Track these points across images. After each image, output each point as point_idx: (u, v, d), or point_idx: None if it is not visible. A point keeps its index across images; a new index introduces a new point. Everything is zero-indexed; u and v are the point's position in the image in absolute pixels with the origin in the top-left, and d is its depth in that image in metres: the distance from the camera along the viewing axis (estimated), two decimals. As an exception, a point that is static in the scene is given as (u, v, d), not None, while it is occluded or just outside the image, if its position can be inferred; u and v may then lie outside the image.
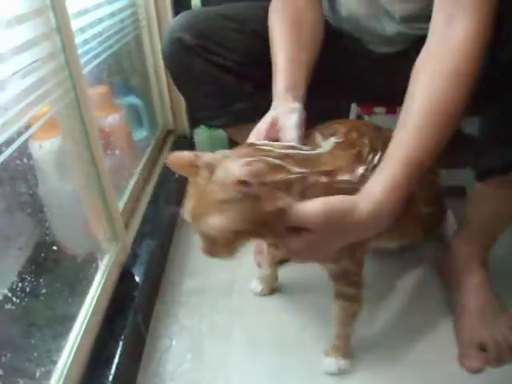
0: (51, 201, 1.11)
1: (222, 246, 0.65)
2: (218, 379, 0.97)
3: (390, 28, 0.98)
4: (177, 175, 1.52)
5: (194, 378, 0.98)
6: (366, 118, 1.34)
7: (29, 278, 0.95)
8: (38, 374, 0.79)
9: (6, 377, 0.74)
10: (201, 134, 1.75)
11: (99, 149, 0.98)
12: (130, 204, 1.28)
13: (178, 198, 1.55)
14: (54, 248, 1.09)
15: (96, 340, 0.90)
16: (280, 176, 0.65)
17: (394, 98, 1.22)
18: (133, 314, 0.97)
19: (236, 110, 1.04)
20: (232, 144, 0.82)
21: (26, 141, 1.04)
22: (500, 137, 0.86)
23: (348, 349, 0.97)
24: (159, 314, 1.14)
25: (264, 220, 0.63)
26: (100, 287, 0.94)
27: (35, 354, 0.85)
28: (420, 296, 1.14)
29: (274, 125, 0.79)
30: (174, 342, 1.06)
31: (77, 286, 0.97)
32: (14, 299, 0.89)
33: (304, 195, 0.66)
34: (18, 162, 1.01)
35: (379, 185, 0.66)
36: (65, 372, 0.78)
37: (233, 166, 0.62)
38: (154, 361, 1.02)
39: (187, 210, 0.66)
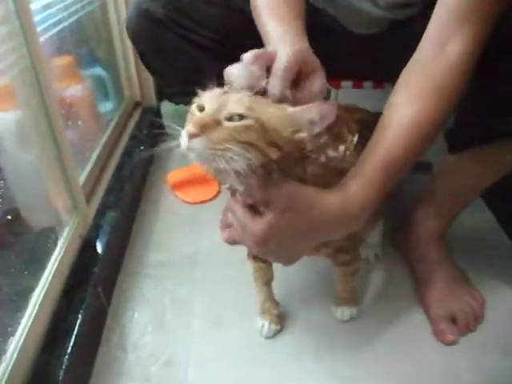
0: (12, 171, 1.08)
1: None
2: (178, 351, 0.97)
3: (372, 12, 0.95)
4: (142, 147, 1.51)
5: (155, 349, 0.98)
6: (334, 91, 1.33)
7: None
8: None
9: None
10: (168, 106, 1.73)
11: (58, 119, 0.96)
12: (93, 175, 1.26)
13: (144, 171, 1.54)
14: (14, 219, 1.07)
15: (54, 312, 0.89)
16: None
17: (368, 75, 1.23)
18: (93, 286, 0.96)
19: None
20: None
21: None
22: (479, 107, 0.84)
23: (356, 298, 1.04)
24: (122, 287, 1.13)
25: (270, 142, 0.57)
26: (59, 259, 0.93)
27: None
28: (379, 268, 1.17)
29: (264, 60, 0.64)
30: (136, 314, 1.06)
31: (36, 259, 0.96)
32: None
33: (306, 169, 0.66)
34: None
35: (353, 181, 0.66)
36: (20, 344, 0.77)
37: None
38: (115, 332, 1.02)
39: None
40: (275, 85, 0.60)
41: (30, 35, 0.85)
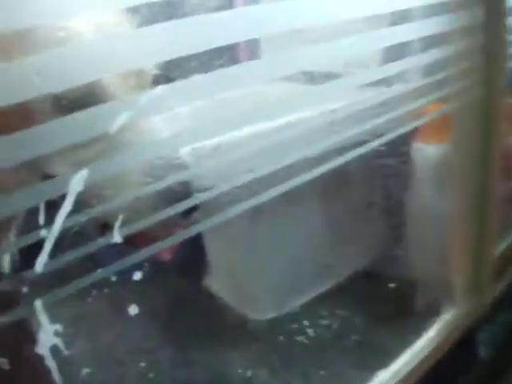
0: (415, 213, 1.00)
1: None
2: None
3: None
4: None
5: None
6: None
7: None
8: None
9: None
10: None
11: (494, 168, 0.78)
12: (507, 252, 0.97)
13: None
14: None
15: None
16: None
17: None
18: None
19: None
20: None
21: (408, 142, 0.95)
22: None
23: None
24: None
25: None
26: (426, 350, 0.72)
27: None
28: None
29: None
30: None
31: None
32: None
33: None
34: (395, 162, 0.93)
35: None
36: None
37: None
38: None
39: None
40: None
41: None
